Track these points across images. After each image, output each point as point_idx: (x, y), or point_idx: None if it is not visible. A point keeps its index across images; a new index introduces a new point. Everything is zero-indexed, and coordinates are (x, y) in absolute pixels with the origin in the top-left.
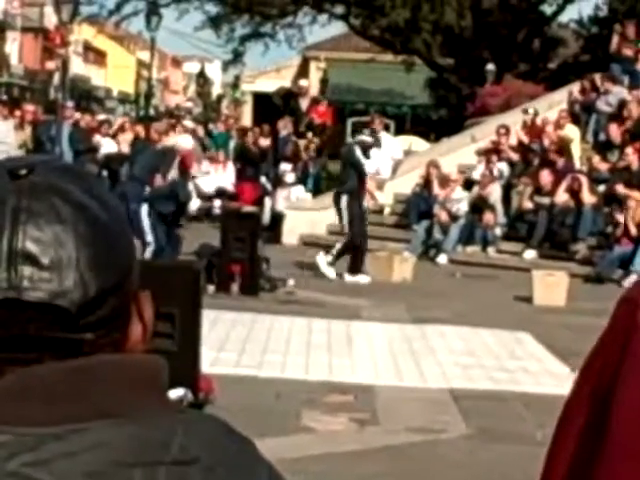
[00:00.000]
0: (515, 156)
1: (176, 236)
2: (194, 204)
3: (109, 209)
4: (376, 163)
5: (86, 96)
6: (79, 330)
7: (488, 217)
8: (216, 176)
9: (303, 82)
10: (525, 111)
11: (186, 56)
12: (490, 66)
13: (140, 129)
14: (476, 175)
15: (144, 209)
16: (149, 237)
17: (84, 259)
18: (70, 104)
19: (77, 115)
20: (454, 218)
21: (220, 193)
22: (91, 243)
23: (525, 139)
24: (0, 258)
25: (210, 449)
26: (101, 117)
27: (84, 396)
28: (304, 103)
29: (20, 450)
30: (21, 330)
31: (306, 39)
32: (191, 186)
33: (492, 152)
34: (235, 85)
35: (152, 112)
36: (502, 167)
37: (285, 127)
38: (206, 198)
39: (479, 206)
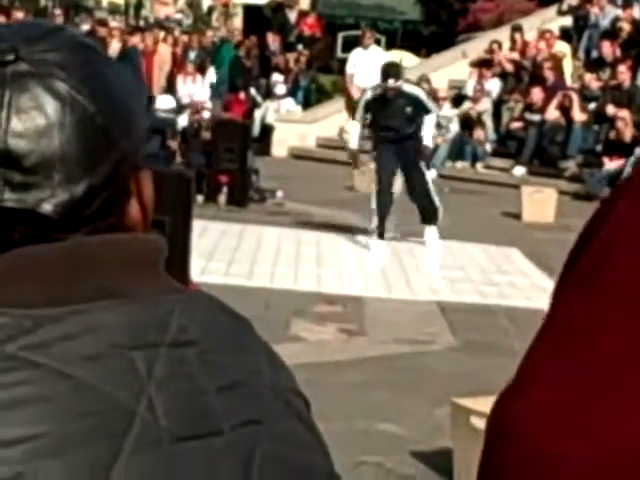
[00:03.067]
0: (509, 67)
1: (168, 147)
2: (182, 120)
3: (102, 95)
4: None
5: (75, 6)
6: (68, 230)
7: (478, 133)
8: (184, 87)
9: None
10: (515, 29)
11: None
12: None
13: (130, 38)
14: (467, 90)
15: None
16: None
17: (70, 158)
18: (58, 12)
19: (86, 26)
20: (444, 134)
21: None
22: (78, 139)
23: (510, 62)
24: None
25: (208, 330)
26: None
27: (80, 277)
28: (292, 16)
29: (18, 333)
30: (4, 232)
31: None
32: (173, 101)
33: (484, 66)
34: None
35: (142, 23)
36: (493, 85)
37: (274, 40)
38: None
39: (469, 122)
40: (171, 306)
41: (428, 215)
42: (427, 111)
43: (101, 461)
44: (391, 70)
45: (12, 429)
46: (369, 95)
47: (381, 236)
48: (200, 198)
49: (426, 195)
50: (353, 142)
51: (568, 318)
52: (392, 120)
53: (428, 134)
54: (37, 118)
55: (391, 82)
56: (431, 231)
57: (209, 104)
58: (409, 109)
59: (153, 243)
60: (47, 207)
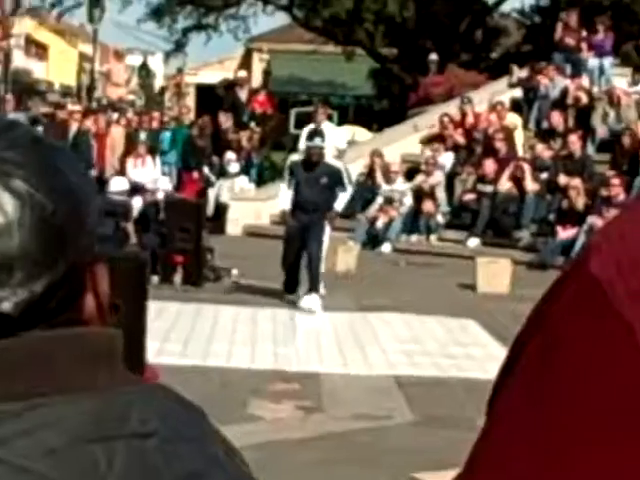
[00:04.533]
0: (462, 140)
1: (122, 229)
2: (137, 202)
3: (60, 192)
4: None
5: (27, 90)
6: (26, 327)
7: (429, 205)
8: (135, 171)
9: (241, 73)
10: (464, 101)
11: (128, 49)
12: (433, 56)
13: (84, 120)
14: (420, 164)
15: None
16: None
17: (29, 256)
18: (9, 97)
19: (43, 109)
20: (397, 208)
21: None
22: (37, 238)
23: (461, 135)
24: None
25: (167, 421)
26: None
27: (40, 371)
28: (243, 94)
29: None
30: None
31: (251, 30)
32: (127, 183)
33: (437, 140)
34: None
35: (95, 105)
36: (446, 158)
37: (227, 119)
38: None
39: (421, 195)
40: (129, 397)
41: (312, 285)
42: (343, 187)
43: None
44: (317, 133)
45: None
46: (295, 158)
47: (288, 289)
48: (155, 279)
49: (316, 268)
50: (282, 202)
51: (512, 426)
52: (307, 190)
53: (340, 203)
54: None
55: (317, 140)
56: (312, 299)
57: (163, 184)
58: (325, 180)
59: (108, 336)
60: (7, 306)
